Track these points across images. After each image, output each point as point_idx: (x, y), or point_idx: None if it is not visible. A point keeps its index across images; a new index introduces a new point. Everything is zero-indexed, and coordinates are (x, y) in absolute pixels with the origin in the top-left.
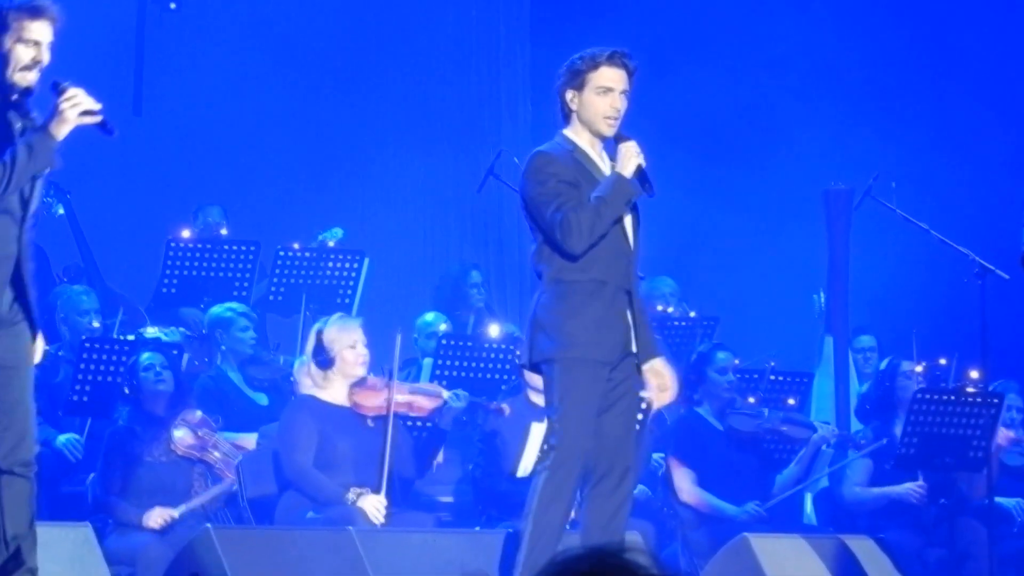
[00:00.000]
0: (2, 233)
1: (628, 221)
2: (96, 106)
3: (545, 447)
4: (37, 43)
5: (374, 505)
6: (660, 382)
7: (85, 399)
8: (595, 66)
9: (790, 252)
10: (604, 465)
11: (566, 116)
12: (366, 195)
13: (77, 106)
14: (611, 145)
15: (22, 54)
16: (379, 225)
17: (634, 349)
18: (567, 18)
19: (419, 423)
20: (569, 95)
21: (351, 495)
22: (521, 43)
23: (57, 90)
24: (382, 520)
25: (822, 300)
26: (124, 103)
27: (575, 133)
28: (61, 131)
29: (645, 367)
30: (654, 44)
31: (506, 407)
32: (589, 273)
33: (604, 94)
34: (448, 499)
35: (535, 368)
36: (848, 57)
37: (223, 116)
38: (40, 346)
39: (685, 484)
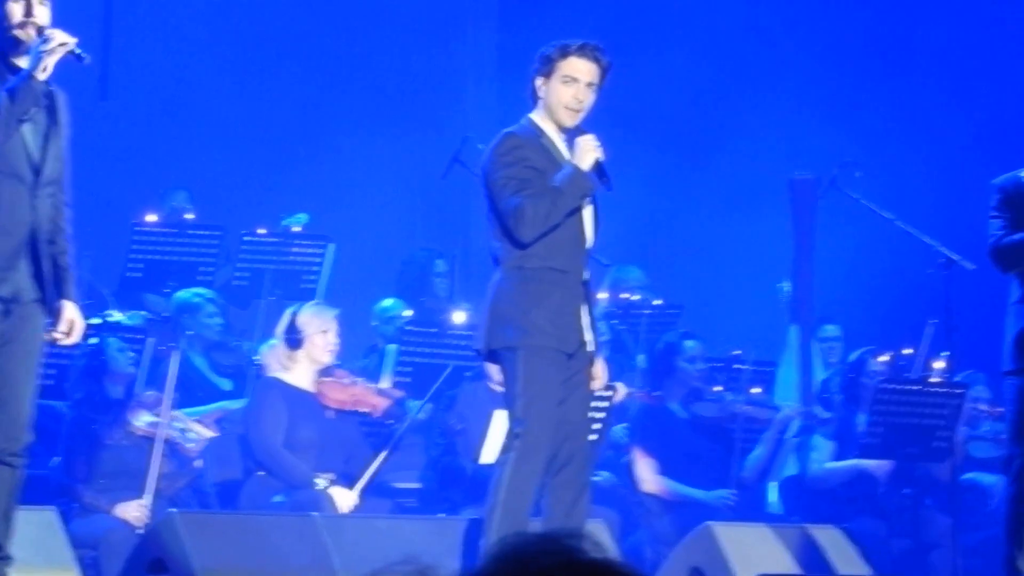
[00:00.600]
0: (8, 199)
1: (588, 213)
2: (70, 39)
3: (508, 436)
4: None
5: (345, 501)
6: (597, 384)
7: (50, 382)
8: (565, 55)
9: (755, 241)
10: (564, 454)
11: (534, 102)
12: (331, 180)
13: (51, 40)
14: (572, 137)
15: (13, 10)
16: (344, 211)
17: (587, 338)
18: (536, 4)
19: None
20: (539, 81)
21: (321, 481)
22: (488, 28)
23: (39, 35)
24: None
25: (787, 289)
26: (90, 87)
27: (541, 119)
28: (39, 69)
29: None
30: (618, 32)
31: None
32: (550, 261)
33: (569, 83)
34: (414, 485)
35: (492, 355)
36: (812, 45)
37: (189, 100)
38: (78, 324)
39: (647, 474)
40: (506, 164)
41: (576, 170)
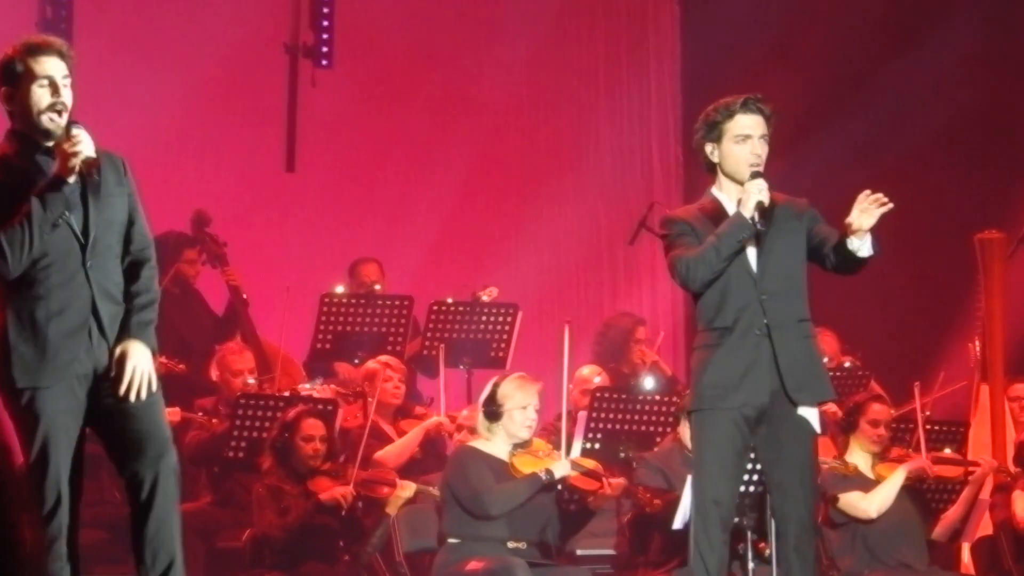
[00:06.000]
0: (59, 281)
1: (752, 256)
2: (90, 152)
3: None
4: (51, 80)
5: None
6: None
7: (240, 455)
8: (730, 115)
9: (944, 300)
10: (780, 515)
11: (710, 169)
12: (518, 247)
13: (78, 155)
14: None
15: (39, 97)
16: (531, 277)
17: (786, 390)
18: (717, 72)
19: (574, 497)
20: (709, 148)
21: (511, 544)
22: (672, 96)
23: (68, 131)
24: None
25: (977, 349)
26: (277, 159)
27: (719, 187)
28: (67, 173)
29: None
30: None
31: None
32: (715, 321)
33: (743, 142)
34: (607, 551)
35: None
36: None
37: (376, 171)
38: (129, 365)
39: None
40: (661, 236)
41: (736, 214)
